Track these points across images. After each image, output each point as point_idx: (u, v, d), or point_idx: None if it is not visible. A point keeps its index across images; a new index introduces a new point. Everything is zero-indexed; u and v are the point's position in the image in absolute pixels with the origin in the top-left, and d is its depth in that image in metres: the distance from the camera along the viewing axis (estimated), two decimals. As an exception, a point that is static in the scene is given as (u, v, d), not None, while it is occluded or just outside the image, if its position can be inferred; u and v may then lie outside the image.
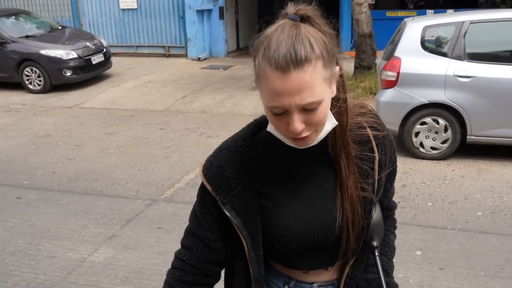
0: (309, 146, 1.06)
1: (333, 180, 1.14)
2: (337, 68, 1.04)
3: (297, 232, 1.11)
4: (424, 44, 5.39)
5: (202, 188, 1.18)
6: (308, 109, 0.97)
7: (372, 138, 1.16)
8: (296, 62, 0.93)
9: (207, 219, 1.17)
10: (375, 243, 1.19)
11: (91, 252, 3.79)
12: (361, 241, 1.17)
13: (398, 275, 3.33)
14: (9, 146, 6.39)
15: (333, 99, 1.05)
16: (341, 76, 1.08)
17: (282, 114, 0.99)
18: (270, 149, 1.14)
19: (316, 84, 0.96)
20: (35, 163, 5.74)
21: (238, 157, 1.13)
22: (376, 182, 1.16)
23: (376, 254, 1.20)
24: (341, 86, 1.08)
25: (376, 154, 1.15)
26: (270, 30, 1.00)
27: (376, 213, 1.19)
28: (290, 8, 1.00)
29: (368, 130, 1.16)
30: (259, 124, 1.17)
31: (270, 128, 1.10)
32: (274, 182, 1.14)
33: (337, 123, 1.08)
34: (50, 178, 5.27)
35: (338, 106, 1.08)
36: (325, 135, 1.08)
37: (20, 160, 5.84)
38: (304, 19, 0.99)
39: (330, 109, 1.06)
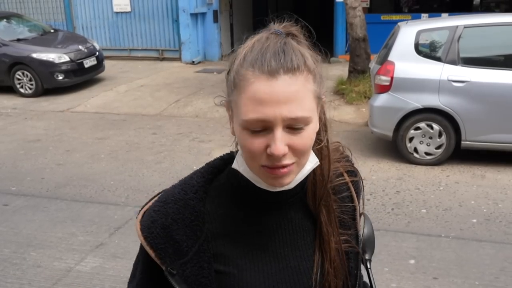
0: (284, 188, 0.88)
1: (309, 233, 0.97)
2: (324, 97, 0.91)
3: None
4: (418, 49, 5.35)
5: (143, 252, 0.93)
6: (293, 129, 0.81)
7: (351, 186, 1.02)
8: (287, 66, 0.79)
9: None
10: (367, 256, 1.15)
11: (78, 261, 3.70)
12: None
13: (391, 285, 3.27)
14: (-2, 151, 6.29)
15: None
16: (323, 109, 0.94)
17: (261, 132, 0.81)
18: (230, 199, 0.95)
19: (307, 98, 0.82)
20: (24, 168, 5.64)
21: (189, 214, 0.91)
22: (360, 232, 1.03)
23: (369, 266, 1.15)
24: (323, 123, 0.94)
25: (357, 204, 1.02)
26: (249, 41, 0.86)
27: (367, 226, 1.14)
28: (275, 25, 0.89)
29: (346, 177, 1.02)
30: (215, 170, 0.98)
31: (237, 164, 0.92)
32: (235, 241, 0.93)
33: (318, 162, 0.92)
34: (38, 184, 5.18)
35: (320, 146, 0.93)
36: (304, 177, 0.90)
37: (9, 166, 5.74)
38: (290, 35, 0.87)
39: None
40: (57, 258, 3.74)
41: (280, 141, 0.80)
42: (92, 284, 3.41)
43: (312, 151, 0.90)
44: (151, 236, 0.90)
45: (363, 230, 1.11)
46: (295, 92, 0.80)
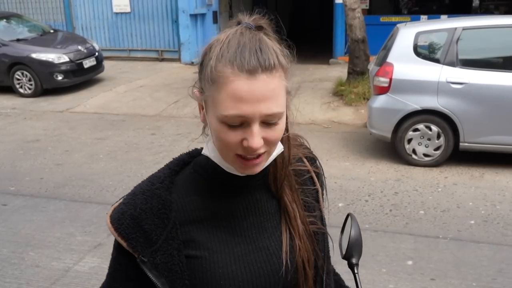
0: (254, 173, 0.94)
1: (275, 215, 1.02)
2: (290, 90, 0.98)
3: (241, 281, 0.95)
4: (416, 50, 5.36)
5: (117, 244, 0.97)
6: (268, 123, 0.88)
7: (311, 169, 1.09)
8: (265, 65, 0.85)
9: (122, 279, 0.98)
10: (354, 260, 1.13)
11: (76, 261, 3.70)
12: (323, 283, 1.06)
13: (389, 286, 3.28)
14: (-3, 151, 6.29)
15: None
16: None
17: (238, 127, 0.87)
18: (196, 187, 1.00)
19: (281, 94, 0.89)
20: (22, 168, 5.65)
21: (156, 203, 0.95)
22: (323, 214, 1.08)
23: (356, 271, 1.13)
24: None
25: (318, 186, 1.08)
26: (223, 34, 0.90)
27: (354, 229, 1.14)
28: (244, 18, 0.93)
29: (306, 162, 1.09)
30: (181, 162, 1.03)
31: (207, 150, 0.97)
32: (203, 226, 0.97)
33: (283, 148, 0.99)
34: (37, 184, 5.18)
35: (285, 134, 0.99)
36: (270, 161, 0.97)
37: (8, 166, 5.74)
38: (260, 28, 0.92)
39: None
40: (55, 258, 3.75)
41: (257, 136, 0.86)
42: (91, 284, 3.41)
43: None
44: (121, 227, 0.94)
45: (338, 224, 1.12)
46: (272, 90, 0.86)
